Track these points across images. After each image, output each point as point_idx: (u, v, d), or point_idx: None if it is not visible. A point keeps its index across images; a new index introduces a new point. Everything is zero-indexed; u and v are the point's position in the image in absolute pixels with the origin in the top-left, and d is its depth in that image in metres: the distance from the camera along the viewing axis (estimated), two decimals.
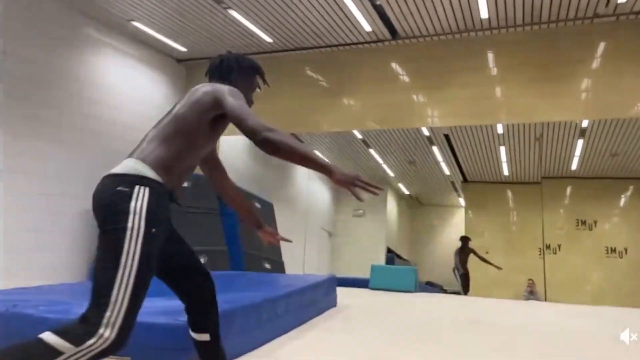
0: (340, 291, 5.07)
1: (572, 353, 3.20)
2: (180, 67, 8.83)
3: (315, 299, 4.09)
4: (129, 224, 1.54)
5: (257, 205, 7.76)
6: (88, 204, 1.72)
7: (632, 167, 11.80)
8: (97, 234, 1.60)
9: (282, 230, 9.99)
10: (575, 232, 12.64)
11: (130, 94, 7.62)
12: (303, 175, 12.74)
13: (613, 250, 12.32)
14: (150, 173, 1.66)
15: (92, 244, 6.01)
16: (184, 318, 2.56)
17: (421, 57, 7.84)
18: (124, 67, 7.58)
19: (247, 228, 7.35)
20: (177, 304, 3.21)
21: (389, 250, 13.80)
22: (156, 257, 1.63)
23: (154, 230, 1.59)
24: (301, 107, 8.29)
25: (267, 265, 7.14)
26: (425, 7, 6.67)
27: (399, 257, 13.75)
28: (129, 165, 1.67)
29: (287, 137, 1.69)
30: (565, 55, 7.13)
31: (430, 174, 14.01)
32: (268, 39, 7.78)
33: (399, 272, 6.93)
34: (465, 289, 10.21)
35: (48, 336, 1.40)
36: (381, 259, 13.04)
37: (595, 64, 7.06)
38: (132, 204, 1.57)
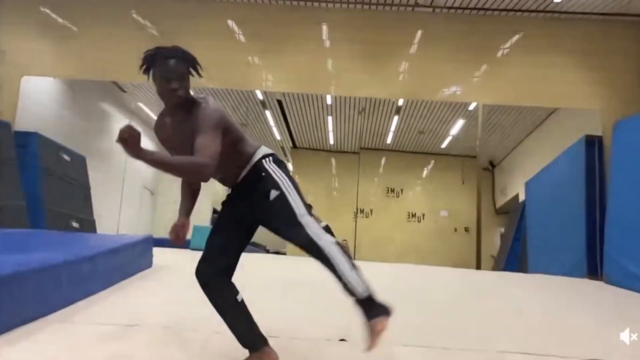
0: (159, 252, 4.87)
1: None
2: None
3: (127, 259, 3.85)
4: None
5: (66, 158, 6.95)
6: None
7: (434, 144, 13.54)
8: None
9: (95, 187, 9.16)
10: (385, 199, 14.13)
11: None
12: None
13: (414, 215, 14.13)
14: None
15: None
16: None
17: (259, 19, 7.75)
18: None
19: (51, 182, 6.58)
20: None
21: (215, 211, 13.69)
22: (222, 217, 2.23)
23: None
24: (124, 53, 7.55)
25: (75, 224, 6.50)
26: None
27: None
28: None
29: None
30: (389, 38, 7.73)
31: (261, 138, 14.16)
32: None
33: None
34: None
35: None
36: (207, 220, 12.89)
37: (412, 49, 7.79)
38: None
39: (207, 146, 1.86)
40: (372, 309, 1.94)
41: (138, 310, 3.03)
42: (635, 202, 5.61)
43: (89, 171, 7.94)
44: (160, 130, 2.13)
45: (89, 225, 7.22)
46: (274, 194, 2.05)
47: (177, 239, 2.17)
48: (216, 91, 10.50)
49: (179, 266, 4.89)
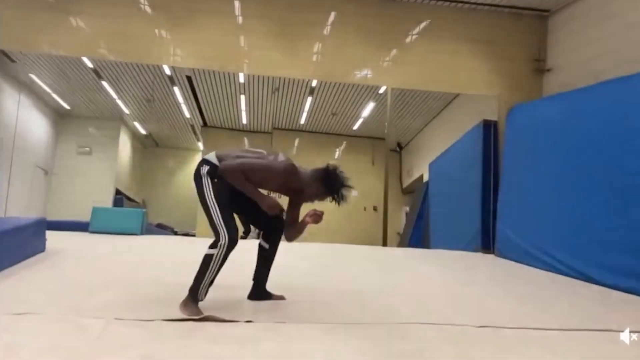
0: (55, 235, 4.55)
1: (277, 281, 3.59)
2: None
3: (16, 244, 3.54)
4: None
5: None
6: None
7: (346, 126, 13.80)
8: None
9: None
10: None
11: None
12: (11, 101, 10.70)
13: None
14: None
15: None
16: None
17: None
18: None
19: None
20: None
21: (118, 192, 12.98)
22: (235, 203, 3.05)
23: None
24: (14, 19, 6.86)
25: None
26: None
27: (129, 199, 13.07)
28: None
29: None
30: (304, 17, 7.69)
31: (169, 115, 13.57)
32: None
33: (123, 214, 6.58)
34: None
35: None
36: (109, 201, 12.18)
37: (326, 31, 7.82)
38: None
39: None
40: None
41: (29, 297, 2.81)
42: (523, 181, 6.14)
43: None
44: (290, 179, 3.17)
45: None
46: None
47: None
48: (118, 64, 9.86)
49: (73, 250, 4.61)
